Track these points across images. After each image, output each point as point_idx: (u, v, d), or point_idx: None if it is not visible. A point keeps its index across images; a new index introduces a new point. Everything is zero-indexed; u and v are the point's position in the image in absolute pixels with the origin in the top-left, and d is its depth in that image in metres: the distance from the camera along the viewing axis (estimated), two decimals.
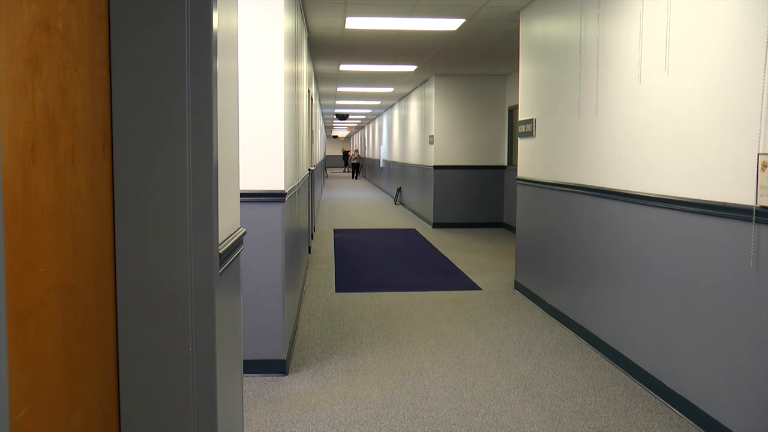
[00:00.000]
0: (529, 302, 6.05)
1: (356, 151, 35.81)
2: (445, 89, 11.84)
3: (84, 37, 1.48)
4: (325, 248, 9.21)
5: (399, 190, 16.94)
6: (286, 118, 4.22)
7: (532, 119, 6.16)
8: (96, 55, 1.55)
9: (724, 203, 3.13)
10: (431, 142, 12.09)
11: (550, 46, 5.68)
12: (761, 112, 2.87)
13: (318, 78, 12.47)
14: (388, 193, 20.13)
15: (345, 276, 7.28)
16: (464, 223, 11.82)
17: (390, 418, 3.45)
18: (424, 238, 10.44)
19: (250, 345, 3.97)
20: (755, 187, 2.91)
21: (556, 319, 5.39)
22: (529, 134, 6.24)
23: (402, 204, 16.38)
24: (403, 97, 16.40)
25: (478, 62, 10.21)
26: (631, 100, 4.09)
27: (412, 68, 10.93)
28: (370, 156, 29.79)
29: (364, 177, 32.34)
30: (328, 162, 43.41)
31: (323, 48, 8.91)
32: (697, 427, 3.33)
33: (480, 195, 11.84)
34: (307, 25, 7.36)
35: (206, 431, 1.78)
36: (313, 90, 10.27)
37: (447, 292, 6.50)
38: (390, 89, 14.67)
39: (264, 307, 4.06)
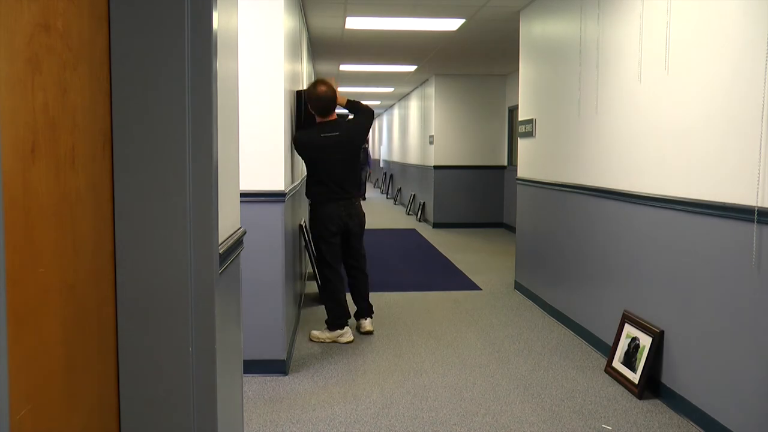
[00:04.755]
0: (529, 302, 6.05)
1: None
2: (445, 89, 11.84)
3: (84, 37, 1.48)
4: None
5: (399, 190, 16.93)
6: (286, 118, 4.22)
7: (532, 119, 6.16)
8: (96, 55, 1.55)
9: (725, 203, 3.13)
10: (431, 142, 12.09)
11: (550, 46, 5.68)
12: (762, 111, 2.87)
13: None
14: (386, 194, 20.12)
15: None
16: (464, 223, 11.81)
17: (390, 418, 3.45)
18: (424, 238, 10.44)
19: (250, 345, 3.96)
20: (756, 187, 2.91)
21: (556, 319, 5.39)
22: (529, 134, 6.24)
23: (402, 204, 16.37)
24: (403, 97, 16.40)
25: (478, 62, 10.20)
26: (631, 99, 4.09)
27: (412, 68, 10.92)
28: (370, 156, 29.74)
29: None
30: None
31: (323, 48, 8.91)
32: (697, 427, 3.33)
33: (480, 195, 11.84)
34: (307, 25, 7.36)
35: (206, 431, 1.78)
36: None
37: (447, 292, 6.50)
38: (390, 89, 14.67)
39: (264, 307, 4.05)
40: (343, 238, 4.90)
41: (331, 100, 4.75)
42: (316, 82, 4.78)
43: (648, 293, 3.87)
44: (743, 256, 3.01)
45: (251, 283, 3.95)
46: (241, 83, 3.89)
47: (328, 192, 4.77)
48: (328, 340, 4.81)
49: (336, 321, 4.81)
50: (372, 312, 5.11)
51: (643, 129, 3.94)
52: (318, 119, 4.79)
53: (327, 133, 4.72)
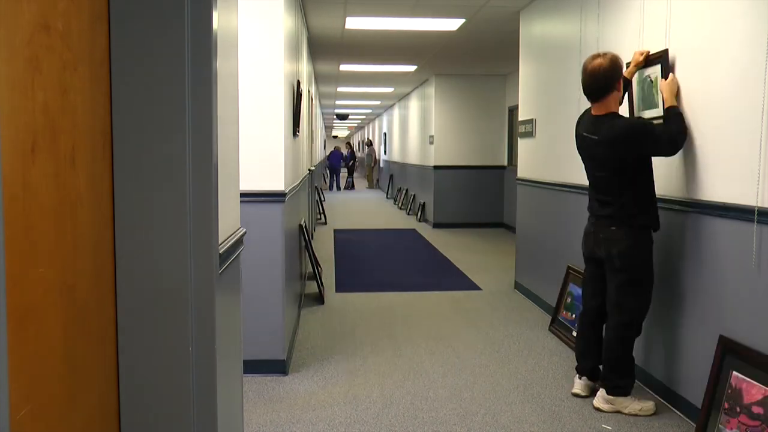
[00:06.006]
0: (529, 302, 6.05)
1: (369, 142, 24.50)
2: (445, 89, 11.83)
3: (84, 37, 1.48)
4: (324, 248, 9.21)
5: (399, 190, 16.92)
6: (286, 118, 4.21)
7: (532, 119, 6.16)
8: (96, 55, 1.55)
9: (725, 203, 3.13)
10: (431, 142, 12.09)
11: (550, 46, 5.68)
12: (762, 110, 2.87)
13: (318, 78, 12.47)
14: (387, 192, 20.12)
15: (345, 276, 7.27)
16: (464, 223, 11.81)
17: (390, 418, 3.45)
18: (424, 238, 10.44)
19: (250, 345, 3.96)
20: (756, 187, 2.91)
21: None
22: (529, 134, 6.23)
23: (402, 204, 16.37)
24: (403, 97, 16.39)
25: (478, 62, 10.20)
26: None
27: (412, 68, 10.92)
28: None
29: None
30: None
31: (323, 48, 8.91)
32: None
33: (480, 195, 11.83)
34: (307, 25, 7.36)
35: (206, 431, 1.78)
36: (313, 90, 10.26)
37: (447, 292, 6.50)
38: (390, 89, 14.67)
39: (264, 307, 4.05)
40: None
41: (597, 79, 3.34)
42: (596, 55, 3.42)
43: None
44: (743, 256, 3.00)
45: (251, 282, 3.95)
46: (241, 83, 3.89)
47: (589, 203, 3.66)
48: (635, 412, 3.47)
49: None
50: (602, 380, 3.60)
51: None
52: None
53: (587, 132, 3.49)
